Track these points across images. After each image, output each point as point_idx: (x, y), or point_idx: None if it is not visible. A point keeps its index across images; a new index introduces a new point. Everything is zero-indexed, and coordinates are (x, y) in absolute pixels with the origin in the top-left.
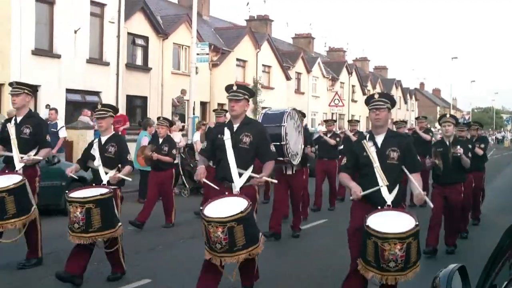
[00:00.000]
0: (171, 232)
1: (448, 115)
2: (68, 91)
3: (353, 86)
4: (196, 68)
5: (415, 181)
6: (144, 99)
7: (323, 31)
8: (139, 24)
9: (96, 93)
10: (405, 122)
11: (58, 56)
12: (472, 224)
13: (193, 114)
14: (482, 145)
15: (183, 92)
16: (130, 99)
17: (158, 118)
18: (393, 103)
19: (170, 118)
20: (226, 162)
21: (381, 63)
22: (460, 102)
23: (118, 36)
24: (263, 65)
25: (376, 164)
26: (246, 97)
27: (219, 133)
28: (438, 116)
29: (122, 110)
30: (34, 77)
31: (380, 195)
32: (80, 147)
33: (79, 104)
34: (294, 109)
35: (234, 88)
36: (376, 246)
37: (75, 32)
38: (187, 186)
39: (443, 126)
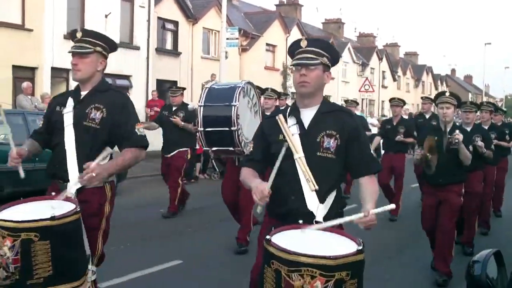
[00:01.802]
0: (200, 215)
1: (447, 93)
2: None
3: (383, 72)
4: (226, 52)
5: (367, 190)
6: (174, 83)
7: (353, 16)
8: (169, 9)
9: (127, 77)
10: (355, 102)
11: None
12: (480, 233)
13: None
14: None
15: (213, 76)
16: (160, 83)
17: (170, 88)
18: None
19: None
20: (62, 148)
21: (412, 49)
22: (493, 89)
23: (148, 21)
24: None
25: (299, 155)
26: (100, 49)
27: (59, 104)
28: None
29: (153, 95)
30: (66, 61)
31: (304, 205)
32: None
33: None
34: (249, 82)
35: (78, 35)
36: (279, 277)
37: (106, 16)
38: (217, 169)
39: (440, 108)
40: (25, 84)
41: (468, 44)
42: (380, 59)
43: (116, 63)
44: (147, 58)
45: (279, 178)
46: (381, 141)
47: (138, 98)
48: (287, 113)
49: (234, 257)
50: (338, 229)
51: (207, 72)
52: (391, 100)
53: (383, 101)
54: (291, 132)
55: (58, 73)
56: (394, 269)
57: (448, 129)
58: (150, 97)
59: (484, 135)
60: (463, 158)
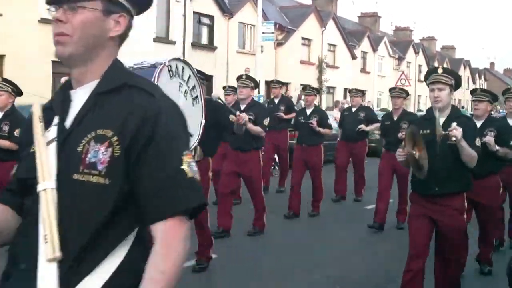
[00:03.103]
0: (241, 206)
1: (440, 70)
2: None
3: (419, 65)
4: (261, 47)
5: (155, 263)
6: (209, 77)
7: (390, 10)
8: (205, 3)
9: None
10: (361, 91)
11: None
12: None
13: (258, 93)
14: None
15: (247, 70)
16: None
17: (224, 88)
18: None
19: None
20: None
21: (449, 42)
22: None
23: (184, 15)
24: (328, 44)
25: (43, 185)
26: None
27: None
28: None
29: None
30: None
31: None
32: None
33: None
34: (178, 59)
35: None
36: None
37: None
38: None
39: (430, 90)
40: (63, 79)
41: (508, 36)
42: (417, 53)
43: (152, 57)
44: (183, 52)
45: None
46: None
47: None
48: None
49: (269, 250)
50: None
51: (243, 67)
52: (391, 90)
53: (419, 96)
54: (45, 138)
55: None
56: None
57: (441, 119)
58: None
59: (499, 129)
60: (465, 160)
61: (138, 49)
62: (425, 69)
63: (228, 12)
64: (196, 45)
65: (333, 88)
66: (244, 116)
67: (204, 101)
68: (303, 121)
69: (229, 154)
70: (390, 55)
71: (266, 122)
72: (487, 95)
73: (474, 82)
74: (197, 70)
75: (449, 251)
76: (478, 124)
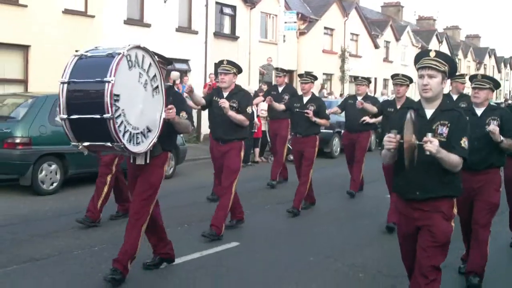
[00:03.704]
0: (258, 197)
1: (432, 57)
2: None
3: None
4: (284, 36)
5: None
6: None
7: None
8: None
9: (185, 61)
10: (366, 79)
11: (148, 25)
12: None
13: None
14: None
15: (269, 59)
16: (218, 67)
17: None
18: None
19: (258, 87)
20: None
21: (474, 31)
22: None
23: (207, 5)
24: (351, 33)
25: None
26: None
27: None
28: None
29: (210, 78)
30: None
31: None
32: None
33: (169, 72)
34: (139, 47)
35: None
36: None
37: (165, 1)
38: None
39: (419, 76)
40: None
41: None
42: (440, 42)
43: (175, 47)
44: (205, 42)
45: None
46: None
47: (196, 81)
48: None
49: (292, 239)
50: None
51: (265, 56)
52: (393, 76)
53: None
54: None
55: None
56: None
57: (429, 112)
58: (208, 81)
59: (503, 116)
60: (447, 168)
61: (161, 39)
62: None
63: (250, 1)
64: (218, 35)
65: (356, 77)
66: (225, 103)
67: (165, 91)
68: (297, 110)
69: (210, 145)
70: (413, 44)
71: (249, 110)
72: (488, 82)
73: (499, 71)
74: (158, 54)
75: (425, 257)
76: (479, 112)
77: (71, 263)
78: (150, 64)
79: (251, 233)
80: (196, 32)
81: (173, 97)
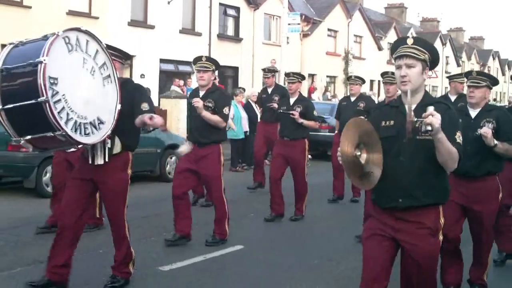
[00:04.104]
0: (261, 201)
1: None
2: (162, 61)
3: (446, 57)
4: (287, 38)
5: None
6: (235, 69)
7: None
8: None
9: (189, 63)
10: (360, 78)
11: (152, 27)
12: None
13: (284, 84)
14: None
15: (273, 61)
16: (221, 69)
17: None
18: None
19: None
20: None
21: (478, 33)
22: None
23: (210, 7)
24: (354, 35)
25: None
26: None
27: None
28: None
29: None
30: (129, 47)
31: None
32: (174, 116)
33: (172, 73)
34: (79, 29)
35: None
36: None
37: (169, 3)
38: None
39: (397, 67)
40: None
41: None
42: (444, 44)
43: (178, 49)
44: (209, 44)
45: None
46: None
47: None
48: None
49: (295, 242)
50: None
51: (268, 58)
52: (383, 75)
53: (446, 87)
54: None
55: None
56: None
57: (412, 107)
58: None
59: (499, 118)
60: (443, 160)
61: (165, 40)
62: (452, 61)
63: (254, 3)
64: (222, 36)
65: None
66: (198, 102)
67: (118, 81)
68: (280, 111)
69: None
70: None
71: (226, 111)
72: (485, 79)
73: (503, 74)
74: (111, 46)
75: (415, 281)
76: (473, 113)
77: (75, 266)
78: (97, 51)
79: (255, 237)
80: (199, 34)
81: (132, 89)
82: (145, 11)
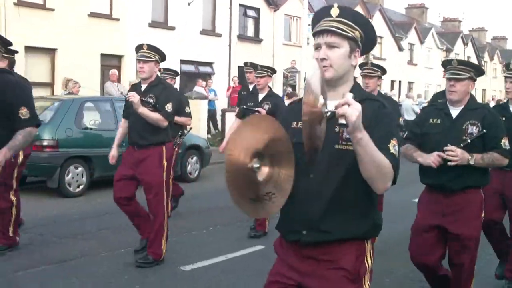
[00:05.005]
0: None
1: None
2: (182, 62)
3: (468, 57)
4: (308, 39)
5: None
6: None
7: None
8: None
9: (209, 64)
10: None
11: (173, 28)
12: None
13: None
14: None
15: (293, 62)
16: (242, 70)
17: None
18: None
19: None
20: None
21: (500, 33)
22: None
23: (230, 8)
24: None
25: None
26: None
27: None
28: None
29: (234, 81)
30: None
31: None
32: (195, 116)
33: (193, 74)
34: None
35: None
36: None
37: (189, 4)
38: None
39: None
40: (111, 72)
41: None
42: (466, 44)
43: (199, 50)
44: (229, 45)
45: None
46: None
47: (220, 84)
48: None
49: None
50: None
51: (288, 59)
52: (361, 66)
53: None
54: None
55: None
56: None
57: (331, 104)
58: (231, 84)
59: (486, 119)
60: (368, 174)
61: (185, 41)
62: (474, 60)
63: (274, 4)
64: (242, 37)
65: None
66: (133, 96)
67: None
68: (245, 107)
69: (125, 152)
70: (438, 46)
71: (169, 107)
72: (467, 69)
73: None
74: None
75: None
76: (454, 112)
77: (98, 265)
78: None
79: (275, 237)
80: (220, 35)
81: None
82: (165, 13)
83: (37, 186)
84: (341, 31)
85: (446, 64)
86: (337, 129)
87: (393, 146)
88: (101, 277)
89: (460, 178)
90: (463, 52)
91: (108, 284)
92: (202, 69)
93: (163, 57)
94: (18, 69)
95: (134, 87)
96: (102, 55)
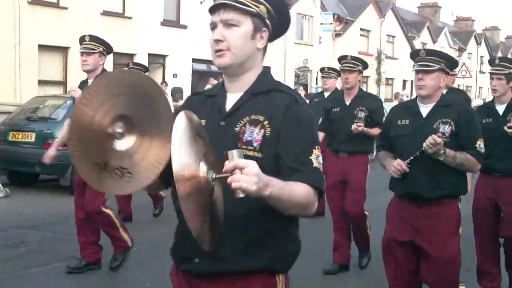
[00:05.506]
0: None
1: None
2: (194, 60)
3: (481, 56)
4: (320, 38)
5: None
6: (267, 68)
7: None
8: None
9: None
10: (335, 71)
11: (185, 27)
12: None
13: (316, 84)
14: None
15: (305, 61)
16: None
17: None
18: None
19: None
20: None
21: None
22: None
23: None
24: (387, 35)
25: None
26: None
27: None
28: None
29: None
30: (162, 47)
31: None
32: None
33: (205, 73)
34: None
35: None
36: None
37: (201, 3)
38: None
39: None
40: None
41: None
42: (479, 43)
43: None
44: None
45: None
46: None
47: None
48: None
49: (325, 245)
50: None
51: (301, 57)
52: (340, 59)
53: (480, 87)
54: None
55: (154, 59)
56: None
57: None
58: None
59: (460, 117)
60: (284, 211)
61: (198, 40)
62: (487, 60)
63: (286, 2)
64: None
65: (392, 79)
66: (75, 92)
67: None
68: None
69: None
70: (451, 46)
71: None
72: (438, 60)
73: None
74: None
75: None
76: (425, 111)
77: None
78: None
79: None
80: None
81: None
82: (177, 11)
83: (50, 184)
84: (240, 5)
85: (414, 55)
86: (237, 129)
87: (316, 158)
88: (115, 273)
89: (433, 184)
90: (476, 51)
91: (124, 279)
92: (214, 68)
93: (109, 49)
94: (31, 67)
95: (82, 84)
96: (115, 53)
